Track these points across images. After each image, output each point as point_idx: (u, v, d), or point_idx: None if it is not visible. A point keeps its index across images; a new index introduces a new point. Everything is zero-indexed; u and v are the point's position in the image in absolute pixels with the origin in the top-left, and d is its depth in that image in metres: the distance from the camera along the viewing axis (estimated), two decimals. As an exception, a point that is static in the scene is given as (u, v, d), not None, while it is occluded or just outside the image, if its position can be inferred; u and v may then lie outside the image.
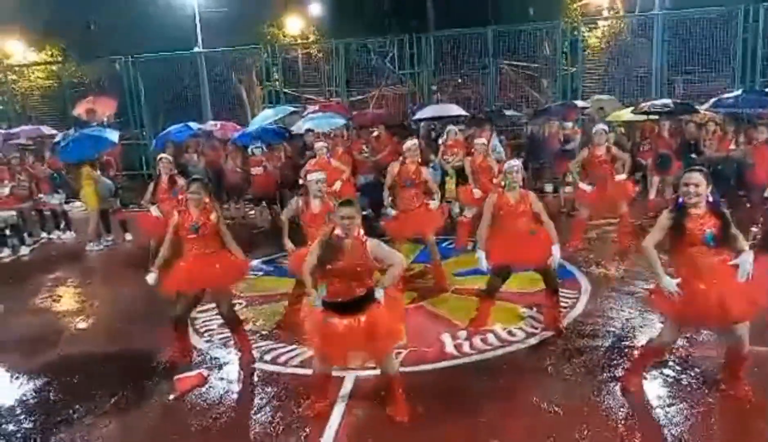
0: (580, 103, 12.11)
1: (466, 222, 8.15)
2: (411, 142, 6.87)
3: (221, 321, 5.36)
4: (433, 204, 6.70)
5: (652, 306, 4.83)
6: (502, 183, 5.37)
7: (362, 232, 3.88)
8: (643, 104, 11.05)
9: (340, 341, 3.85)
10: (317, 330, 3.92)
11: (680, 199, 3.94)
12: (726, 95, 10.91)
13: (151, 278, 4.98)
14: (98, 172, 9.81)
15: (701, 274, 3.84)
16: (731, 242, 3.86)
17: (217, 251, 4.90)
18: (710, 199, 3.90)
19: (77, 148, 9.87)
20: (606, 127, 8.14)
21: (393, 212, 6.72)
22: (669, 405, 4.12)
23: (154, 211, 7.42)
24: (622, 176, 7.71)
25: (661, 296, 4.04)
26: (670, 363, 4.64)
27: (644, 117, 10.90)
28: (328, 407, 4.24)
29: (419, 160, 6.83)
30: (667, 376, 4.49)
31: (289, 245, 5.61)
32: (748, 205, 8.72)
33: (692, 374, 4.50)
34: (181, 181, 7.47)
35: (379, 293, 3.85)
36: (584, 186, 7.78)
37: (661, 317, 4.35)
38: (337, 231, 3.85)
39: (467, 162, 8.19)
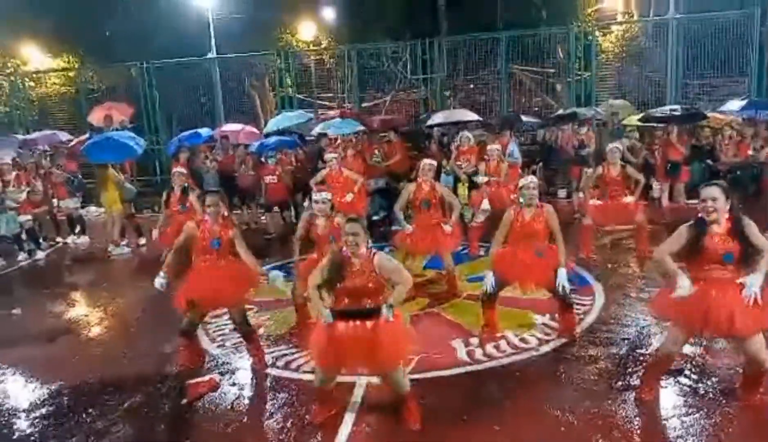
0: (586, 110, 12.01)
1: (477, 227, 8.11)
2: (426, 162, 6.76)
3: (233, 326, 5.37)
4: (447, 227, 6.52)
5: (655, 312, 4.70)
6: (520, 199, 5.30)
7: (370, 245, 3.87)
8: (651, 110, 10.98)
9: (342, 346, 3.83)
10: (320, 335, 3.91)
11: (700, 215, 3.88)
12: (737, 100, 10.84)
13: (158, 282, 4.90)
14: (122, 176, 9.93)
15: (714, 286, 3.80)
16: (752, 260, 3.79)
17: (229, 262, 4.87)
18: (731, 215, 3.83)
19: (104, 150, 9.70)
20: (620, 146, 8.04)
21: (409, 228, 6.60)
22: (685, 414, 4.05)
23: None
24: (631, 199, 7.58)
25: (664, 301, 4.00)
26: (687, 372, 4.58)
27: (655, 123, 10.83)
28: (334, 416, 4.21)
29: (433, 180, 6.68)
30: (684, 384, 4.43)
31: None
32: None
33: (709, 382, 4.43)
34: (192, 196, 7.54)
35: (387, 311, 3.79)
36: (593, 202, 7.78)
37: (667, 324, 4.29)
38: (344, 249, 3.84)
39: (481, 167, 8.17)
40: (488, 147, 8.33)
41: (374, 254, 3.86)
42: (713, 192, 3.81)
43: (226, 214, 4.93)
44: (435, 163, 6.90)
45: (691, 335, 4.11)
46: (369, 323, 3.81)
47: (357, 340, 3.80)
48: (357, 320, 3.82)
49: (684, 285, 3.82)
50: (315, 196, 5.62)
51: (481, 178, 8.23)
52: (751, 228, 3.81)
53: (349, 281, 3.79)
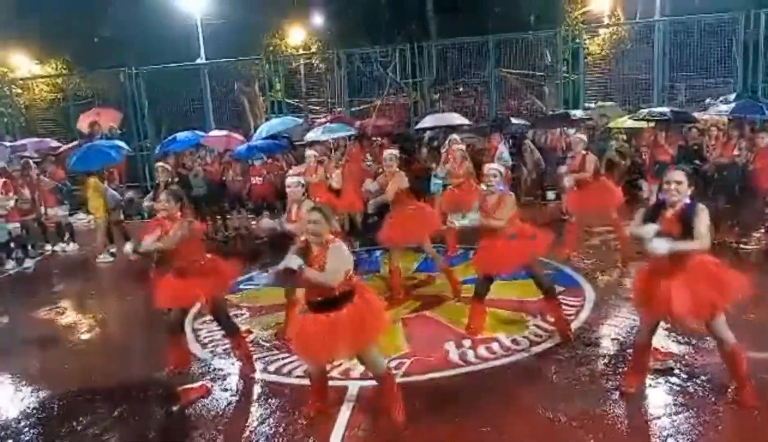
0: (578, 112, 12.10)
1: (454, 230, 8.07)
2: (387, 152, 6.77)
3: (224, 332, 5.34)
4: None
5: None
6: (483, 187, 5.37)
7: (331, 237, 3.89)
8: (642, 111, 11.07)
9: (317, 335, 3.85)
10: (296, 327, 3.99)
11: (662, 197, 3.99)
12: (723, 101, 10.94)
13: (128, 246, 4.96)
14: (105, 183, 9.88)
15: (661, 269, 3.91)
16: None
17: (202, 258, 4.87)
18: (688, 202, 3.90)
19: (85, 159, 10.09)
20: (583, 136, 8.13)
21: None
22: (675, 413, 4.09)
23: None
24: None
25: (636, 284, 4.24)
26: (676, 371, 4.62)
27: (644, 124, 10.91)
28: (326, 419, 4.22)
29: (395, 170, 6.55)
30: (673, 384, 4.46)
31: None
32: (752, 210, 8.69)
33: (698, 381, 4.47)
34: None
35: (294, 262, 3.68)
36: (569, 180, 7.73)
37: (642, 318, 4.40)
38: (308, 237, 3.89)
39: (448, 167, 8.16)
40: (453, 147, 8.25)
41: (332, 243, 3.86)
42: (678, 176, 3.94)
43: (179, 213, 4.83)
44: (396, 152, 6.87)
45: (654, 319, 4.20)
46: (338, 310, 3.84)
47: (328, 326, 3.82)
48: (326, 311, 3.84)
49: (648, 229, 3.88)
50: (287, 180, 5.57)
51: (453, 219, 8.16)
52: (701, 217, 3.83)
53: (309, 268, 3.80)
